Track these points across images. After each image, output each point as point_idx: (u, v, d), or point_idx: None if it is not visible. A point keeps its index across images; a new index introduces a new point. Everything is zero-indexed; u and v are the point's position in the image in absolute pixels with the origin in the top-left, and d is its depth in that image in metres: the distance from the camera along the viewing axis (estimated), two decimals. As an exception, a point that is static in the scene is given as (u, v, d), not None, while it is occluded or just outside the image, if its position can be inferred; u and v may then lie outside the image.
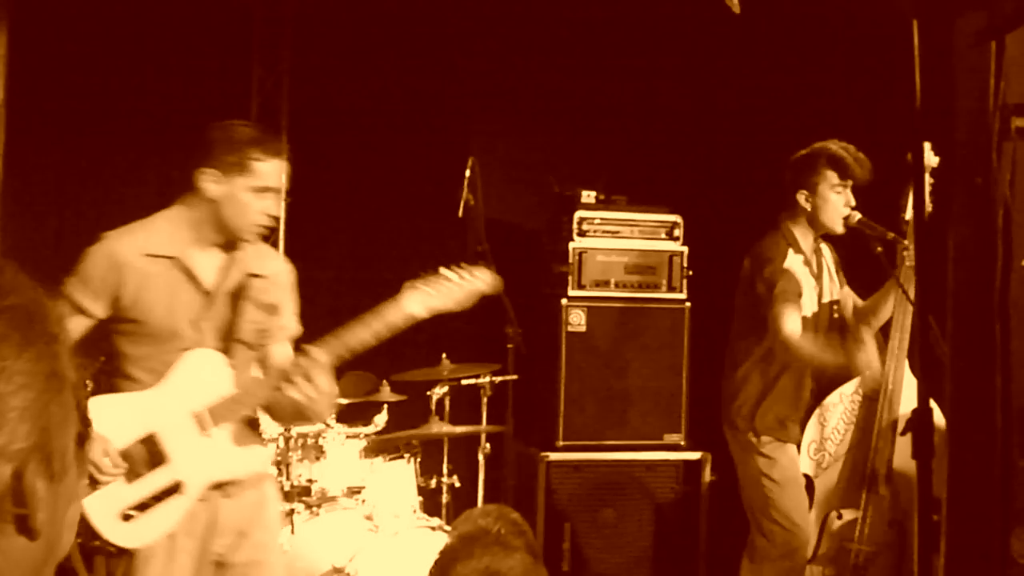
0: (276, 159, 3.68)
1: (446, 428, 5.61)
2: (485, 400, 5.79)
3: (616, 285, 6.38)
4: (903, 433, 4.71)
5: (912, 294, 4.70)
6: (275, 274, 3.87)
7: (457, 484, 5.82)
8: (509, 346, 5.84)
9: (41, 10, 6.37)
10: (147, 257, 3.66)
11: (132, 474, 3.61)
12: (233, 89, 6.92)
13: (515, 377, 5.83)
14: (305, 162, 7.06)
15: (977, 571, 2.57)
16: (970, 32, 2.49)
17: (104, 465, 3.53)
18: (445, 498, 5.74)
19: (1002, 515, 2.52)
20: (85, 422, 1.59)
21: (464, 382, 5.76)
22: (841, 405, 5.02)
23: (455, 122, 6.99)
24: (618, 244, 6.40)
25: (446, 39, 6.97)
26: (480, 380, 5.75)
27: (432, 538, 5.13)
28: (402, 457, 5.65)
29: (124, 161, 6.70)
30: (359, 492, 5.41)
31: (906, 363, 4.86)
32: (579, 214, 6.37)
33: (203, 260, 3.72)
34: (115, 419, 3.62)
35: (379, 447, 5.59)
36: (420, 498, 5.60)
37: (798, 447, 5.10)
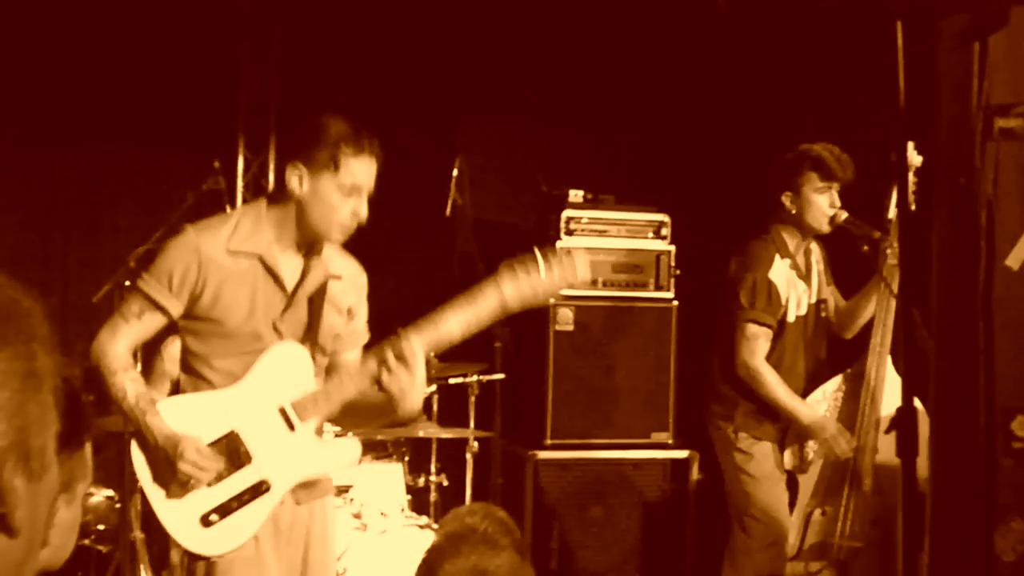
0: (368, 157, 3.51)
1: (434, 430, 5.61)
2: (473, 399, 5.79)
3: (604, 284, 6.38)
4: (887, 431, 4.74)
5: (896, 290, 4.74)
6: (352, 277, 3.71)
7: (445, 483, 5.83)
8: (497, 345, 5.84)
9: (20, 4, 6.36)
10: (230, 253, 3.48)
11: (213, 476, 3.41)
12: (221, 86, 6.92)
13: (503, 376, 5.83)
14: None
15: (961, 568, 2.59)
16: (953, 33, 2.51)
17: (199, 462, 3.36)
18: (433, 497, 5.75)
19: (986, 513, 2.54)
20: (76, 421, 1.59)
21: (452, 381, 5.77)
22: (824, 403, 5.05)
23: (443, 121, 6.99)
24: (606, 243, 6.40)
25: (434, 37, 6.97)
26: (468, 379, 5.76)
27: (420, 537, 5.14)
28: (390, 456, 5.66)
29: (110, 158, 6.69)
30: (347, 491, 5.41)
31: (889, 360, 4.90)
32: (567, 213, 6.37)
33: (285, 260, 3.54)
34: (193, 419, 3.44)
35: (367, 446, 5.59)
36: (408, 497, 5.61)
37: (779, 444, 5.14)
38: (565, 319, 6.33)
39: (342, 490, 5.40)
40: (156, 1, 6.63)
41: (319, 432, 3.60)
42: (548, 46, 6.96)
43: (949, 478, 2.58)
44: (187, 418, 3.45)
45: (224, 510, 3.40)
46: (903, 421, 2.60)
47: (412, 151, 6.92)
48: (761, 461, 5.14)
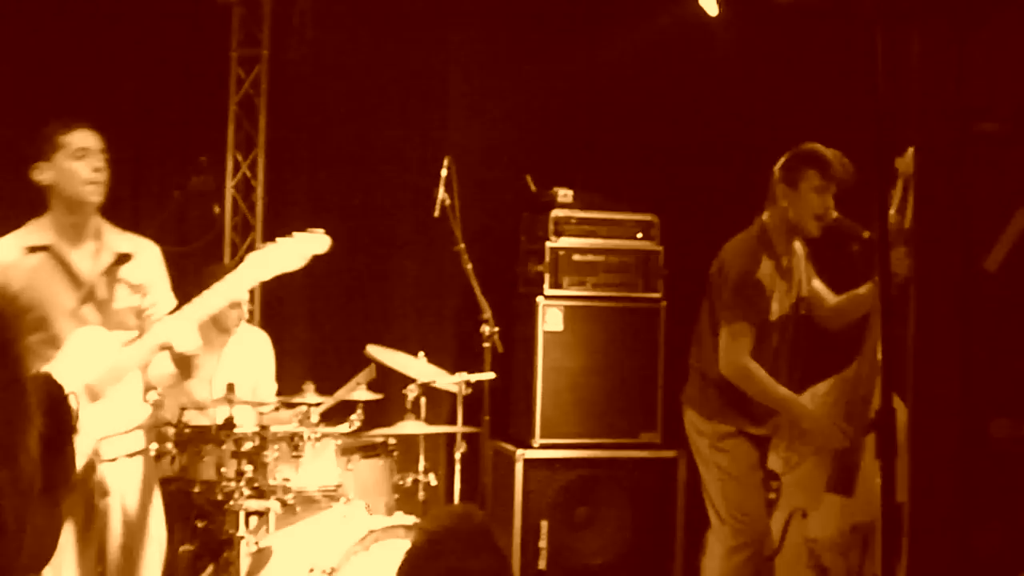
0: (80, 128, 4.23)
1: (421, 427, 5.61)
2: (461, 398, 5.79)
3: (593, 284, 6.40)
4: (866, 432, 4.73)
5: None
6: (141, 252, 4.34)
7: (433, 482, 5.83)
8: (485, 345, 5.84)
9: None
10: (28, 250, 4.17)
11: None
12: (211, 82, 6.92)
13: (492, 376, 5.83)
14: (282, 160, 7.09)
15: (939, 571, 2.60)
16: (932, 36, 2.51)
17: None
18: (421, 496, 5.74)
19: (963, 515, 2.55)
20: (59, 422, 1.59)
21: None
22: (813, 405, 5.04)
23: (431, 120, 6.98)
24: (595, 243, 6.42)
25: (422, 37, 6.97)
26: (456, 379, 5.75)
27: (407, 536, 5.14)
28: (378, 456, 5.65)
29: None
30: (335, 491, 5.41)
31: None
32: (555, 213, 6.38)
33: (77, 249, 4.22)
34: None
35: (355, 446, 5.59)
36: (396, 496, 5.61)
37: (758, 441, 5.14)
38: (554, 319, 6.34)
39: (330, 490, 5.40)
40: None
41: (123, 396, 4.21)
42: (538, 44, 6.95)
43: (927, 481, 2.59)
44: None
45: None
46: (882, 423, 2.62)
47: (401, 151, 6.93)
48: (738, 457, 5.14)
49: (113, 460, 4.26)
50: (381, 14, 6.93)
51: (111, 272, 4.24)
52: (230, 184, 7.06)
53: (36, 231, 4.25)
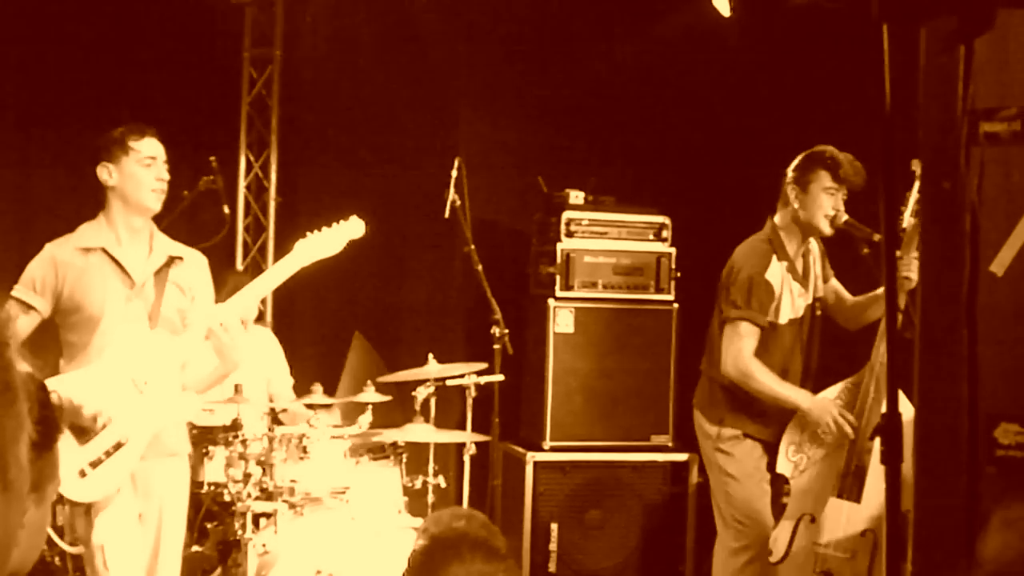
0: (150, 136, 4.35)
1: (431, 434, 5.59)
2: (471, 401, 5.77)
3: (604, 286, 6.37)
4: (871, 438, 4.69)
5: (903, 302, 4.69)
6: (190, 258, 4.49)
7: (443, 485, 5.81)
8: (496, 347, 5.83)
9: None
10: (81, 251, 4.30)
11: (84, 437, 4.09)
12: (223, 82, 6.93)
13: (501, 377, 5.81)
14: (294, 161, 7.10)
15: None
16: (939, 37, 2.48)
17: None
18: (430, 499, 5.73)
19: (969, 520, 2.52)
20: (48, 425, 1.57)
21: (450, 382, 5.75)
22: None
23: (442, 121, 6.97)
24: (606, 245, 6.39)
25: (434, 37, 6.96)
26: (466, 380, 5.74)
27: (416, 539, 5.12)
28: (387, 457, 5.64)
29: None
30: (343, 493, 5.40)
31: None
32: (567, 215, 6.35)
33: (128, 249, 4.35)
34: (71, 392, 4.11)
35: (364, 447, 5.58)
36: (405, 498, 5.59)
37: (767, 445, 5.12)
38: (565, 321, 6.31)
39: (338, 492, 5.39)
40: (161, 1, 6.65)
41: (167, 390, 4.32)
42: (549, 46, 6.94)
43: (933, 486, 2.56)
44: (70, 391, 4.13)
45: (94, 464, 4.12)
46: (887, 428, 2.59)
47: (412, 152, 6.92)
48: (742, 460, 5.14)
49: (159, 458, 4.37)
50: (393, 14, 6.92)
51: (162, 273, 4.36)
52: (242, 184, 7.07)
53: (89, 233, 4.37)
